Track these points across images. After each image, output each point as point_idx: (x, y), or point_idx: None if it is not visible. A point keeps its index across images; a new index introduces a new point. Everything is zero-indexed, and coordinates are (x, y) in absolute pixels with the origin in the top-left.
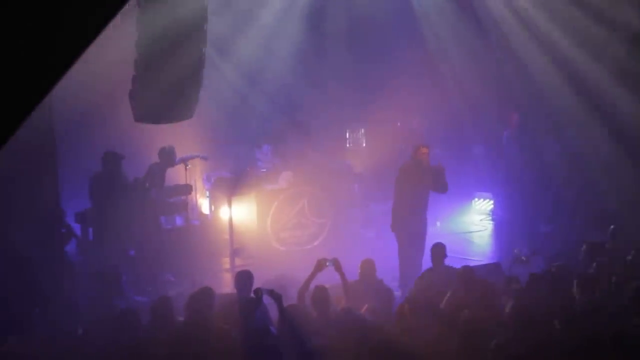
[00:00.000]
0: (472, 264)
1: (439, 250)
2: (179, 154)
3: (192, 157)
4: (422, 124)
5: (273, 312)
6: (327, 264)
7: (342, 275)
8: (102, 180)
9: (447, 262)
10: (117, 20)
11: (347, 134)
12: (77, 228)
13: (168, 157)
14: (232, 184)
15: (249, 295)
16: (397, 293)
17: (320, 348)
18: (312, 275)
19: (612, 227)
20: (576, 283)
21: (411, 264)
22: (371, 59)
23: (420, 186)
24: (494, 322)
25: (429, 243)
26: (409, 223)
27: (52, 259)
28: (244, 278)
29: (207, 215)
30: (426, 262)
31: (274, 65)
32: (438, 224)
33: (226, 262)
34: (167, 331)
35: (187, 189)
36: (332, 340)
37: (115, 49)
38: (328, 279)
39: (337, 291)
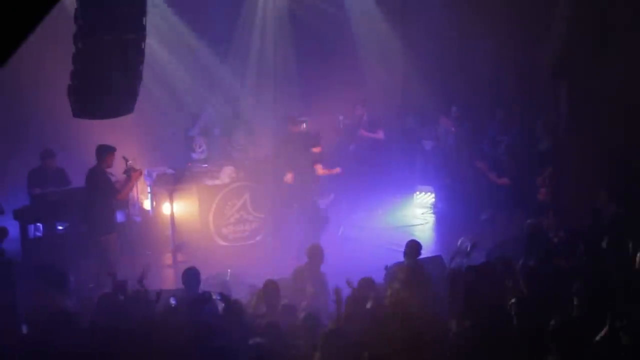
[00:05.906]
0: None
1: (412, 247)
2: (119, 152)
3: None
4: (365, 116)
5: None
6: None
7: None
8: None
9: (388, 254)
10: (55, 13)
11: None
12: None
13: None
14: (173, 179)
15: (197, 292)
16: None
17: (266, 345)
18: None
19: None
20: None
21: (305, 238)
22: (316, 51)
23: (298, 162)
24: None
25: (371, 237)
26: (297, 199)
27: None
28: (192, 275)
29: (148, 211)
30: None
31: (214, 60)
32: (341, 229)
33: (168, 259)
34: (115, 331)
35: None
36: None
37: (53, 43)
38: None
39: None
